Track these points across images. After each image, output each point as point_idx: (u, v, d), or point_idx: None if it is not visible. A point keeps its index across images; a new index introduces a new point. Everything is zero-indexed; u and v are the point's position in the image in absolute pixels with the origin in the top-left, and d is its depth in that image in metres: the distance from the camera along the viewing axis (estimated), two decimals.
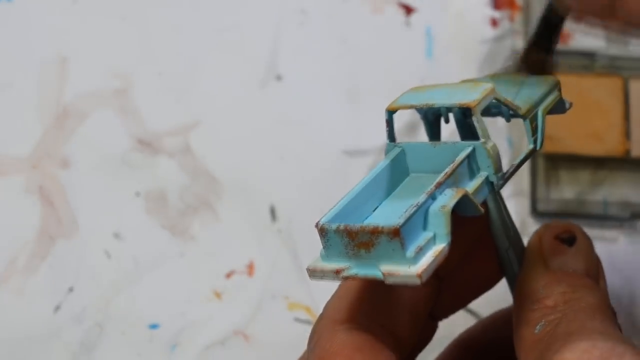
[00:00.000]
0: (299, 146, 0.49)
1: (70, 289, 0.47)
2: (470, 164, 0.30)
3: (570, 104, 0.34)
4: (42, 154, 0.49)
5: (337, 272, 0.28)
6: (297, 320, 0.47)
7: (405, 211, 0.28)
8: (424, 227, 0.28)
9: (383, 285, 0.28)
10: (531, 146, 0.32)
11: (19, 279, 0.47)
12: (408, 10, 0.51)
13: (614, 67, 0.49)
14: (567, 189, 0.48)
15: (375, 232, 0.28)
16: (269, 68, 0.50)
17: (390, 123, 0.32)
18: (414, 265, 0.27)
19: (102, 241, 0.48)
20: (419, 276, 0.27)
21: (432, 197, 0.28)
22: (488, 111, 0.33)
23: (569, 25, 0.48)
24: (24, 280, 0.47)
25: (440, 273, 0.33)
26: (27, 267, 0.47)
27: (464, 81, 0.34)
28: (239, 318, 0.47)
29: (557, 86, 0.34)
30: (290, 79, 0.50)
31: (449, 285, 0.34)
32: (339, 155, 0.49)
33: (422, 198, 0.28)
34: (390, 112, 0.32)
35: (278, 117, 0.50)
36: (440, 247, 0.28)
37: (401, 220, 0.27)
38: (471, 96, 0.31)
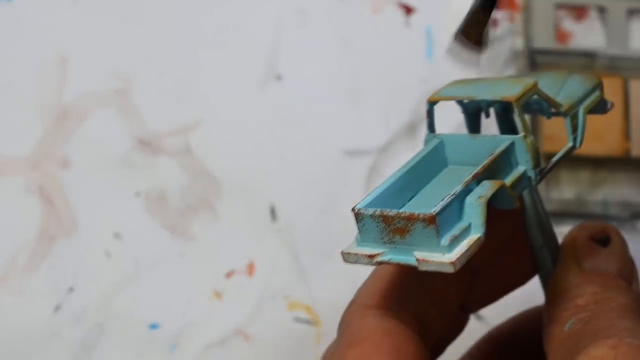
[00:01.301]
0: (299, 146, 0.49)
1: (70, 289, 0.47)
2: (509, 157, 0.30)
3: (612, 105, 0.34)
4: (42, 154, 0.49)
5: (371, 256, 0.28)
6: (297, 320, 0.47)
7: (442, 200, 0.28)
8: (460, 217, 0.28)
9: (415, 273, 0.28)
10: (570, 144, 0.33)
11: (19, 279, 0.47)
12: (408, 10, 0.51)
13: (614, 67, 0.49)
14: (567, 189, 0.48)
15: (412, 218, 0.28)
16: (269, 68, 0.50)
17: (430, 114, 0.32)
18: (448, 253, 0.27)
19: (102, 241, 0.48)
20: (452, 264, 0.27)
21: (469, 188, 0.29)
22: (529, 108, 0.34)
23: (568, 26, 0.48)
24: (24, 280, 0.47)
25: (473, 265, 0.33)
26: (27, 267, 0.47)
27: (508, 76, 0.34)
28: (239, 318, 0.47)
29: (599, 85, 0.34)
30: (290, 79, 0.50)
31: (482, 279, 0.34)
32: (339, 155, 0.49)
33: (458, 188, 0.28)
34: (432, 103, 0.32)
35: (278, 117, 0.50)
36: (475, 237, 0.28)
37: (437, 208, 0.27)
38: (513, 91, 0.31)
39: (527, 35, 0.50)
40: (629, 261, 0.33)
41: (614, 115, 0.48)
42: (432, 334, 0.32)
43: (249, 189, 0.49)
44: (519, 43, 0.50)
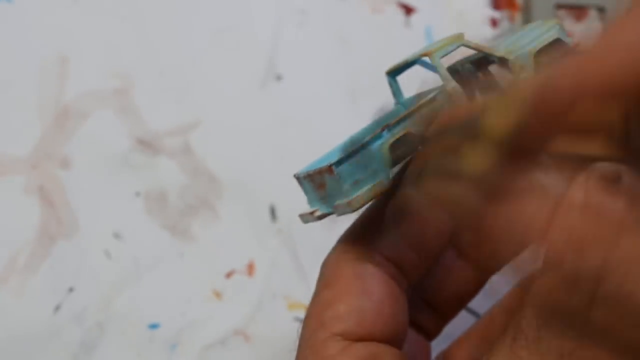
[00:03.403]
0: (299, 146, 0.49)
1: (70, 289, 0.47)
2: (436, 107, 0.32)
3: (578, 43, 0.35)
4: (42, 154, 0.49)
5: (312, 213, 0.32)
6: (297, 319, 0.47)
7: (345, 150, 0.31)
8: (368, 164, 0.30)
9: (390, 218, 0.31)
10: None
11: (19, 279, 0.47)
12: (408, 10, 0.51)
13: None
14: None
15: (321, 172, 0.31)
16: (269, 68, 0.50)
17: (390, 85, 0.35)
18: (348, 197, 0.30)
19: (102, 241, 0.48)
20: (349, 204, 0.30)
21: (379, 136, 0.31)
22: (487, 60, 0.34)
23: (568, 26, 0.48)
24: (24, 280, 0.47)
25: (461, 209, 0.33)
26: (27, 267, 0.47)
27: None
28: (239, 318, 0.47)
29: (554, 27, 0.34)
30: (290, 79, 0.50)
31: (485, 225, 0.34)
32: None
33: (367, 137, 0.31)
34: (389, 75, 0.35)
35: (278, 117, 0.50)
36: (377, 181, 0.30)
37: (335, 158, 0.30)
38: (434, 45, 0.33)
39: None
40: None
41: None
42: (410, 277, 0.33)
43: (249, 189, 0.49)
44: None
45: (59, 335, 0.47)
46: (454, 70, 0.34)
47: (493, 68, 0.33)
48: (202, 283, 0.48)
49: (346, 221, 0.49)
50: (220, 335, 0.47)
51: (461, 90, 0.32)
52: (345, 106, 0.50)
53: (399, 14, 0.51)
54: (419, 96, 0.33)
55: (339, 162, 0.30)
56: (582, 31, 0.50)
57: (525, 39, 0.34)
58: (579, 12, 0.50)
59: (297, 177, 0.32)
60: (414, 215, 0.33)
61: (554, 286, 0.29)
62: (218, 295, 0.48)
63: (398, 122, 0.31)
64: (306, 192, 0.32)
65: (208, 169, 0.49)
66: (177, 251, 0.48)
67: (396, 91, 0.35)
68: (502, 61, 0.33)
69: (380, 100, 0.49)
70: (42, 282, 0.47)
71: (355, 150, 0.30)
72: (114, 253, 0.48)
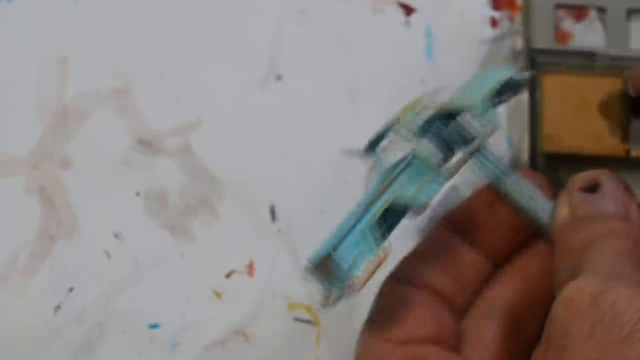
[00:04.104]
0: (299, 146, 0.49)
1: (70, 289, 0.47)
2: (412, 171, 0.34)
3: (530, 75, 0.36)
4: (42, 154, 0.49)
5: (327, 298, 0.33)
6: (297, 320, 0.47)
7: (339, 235, 0.33)
8: (358, 243, 0.32)
9: (435, 255, 0.34)
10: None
11: (19, 279, 0.47)
12: (408, 10, 0.51)
13: (614, 67, 0.49)
14: None
15: (326, 259, 0.32)
16: (269, 68, 0.50)
17: (372, 158, 0.37)
18: (349, 278, 0.32)
19: (102, 241, 0.48)
20: (351, 287, 0.32)
21: (367, 213, 0.33)
22: (500, 98, 0.36)
23: (568, 26, 0.48)
24: (24, 280, 0.47)
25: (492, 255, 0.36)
26: (27, 267, 0.47)
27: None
28: (239, 318, 0.47)
29: (507, 67, 0.35)
30: (290, 79, 0.50)
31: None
32: (339, 155, 0.49)
33: (352, 220, 0.33)
34: (367, 150, 0.37)
35: (278, 117, 0.50)
36: (370, 258, 0.32)
37: (324, 251, 0.32)
38: (395, 116, 0.35)
39: (527, 35, 0.50)
40: (621, 198, 0.34)
41: (614, 114, 0.48)
42: (455, 310, 0.35)
43: (249, 189, 0.49)
44: (519, 43, 0.50)
45: (59, 335, 0.47)
46: (425, 129, 0.35)
47: (461, 119, 0.34)
48: (202, 283, 0.48)
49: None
50: (220, 335, 0.47)
51: (433, 148, 0.33)
52: (345, 106, 0.50)
53: (399, 14, 0.51)
54: (395, 165, 0.35)
55: (334, 248, 0.32)
56: (582, 31, 0.50)
57: (477, 87, 0.35)
58: (579, 12, 0.50)
59: (307, 269, 0.34)
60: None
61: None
62: (218, 295, 0.48)
63: (379, 197, 0.33)
64: (317, 280, 0.34)
65: (208, 169, 0.49)
66: (177, 251, 0.48)
67: (377, 163, 0.36)
68: (462, 113, 0.34)
69: (380, 100, 0.49)
70: (42, 282, 0.47)
71: (346, 232, 0.32)
72: (114, 253, 0.48)
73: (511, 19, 0.51)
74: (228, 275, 0.48)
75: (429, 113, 0.35)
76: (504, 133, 0.49)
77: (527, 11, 0.50)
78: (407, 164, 0.34)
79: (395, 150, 0.36)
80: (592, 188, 0.34)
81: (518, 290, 0.36)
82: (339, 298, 0.33)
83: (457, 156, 0.34)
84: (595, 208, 0.33)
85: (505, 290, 0.36)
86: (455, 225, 0.36)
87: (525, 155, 0.49)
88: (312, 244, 0.49)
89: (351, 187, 0.48)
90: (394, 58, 0.51)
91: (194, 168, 0.49)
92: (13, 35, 0.50)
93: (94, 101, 0.50)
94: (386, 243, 0.32)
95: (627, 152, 0.48)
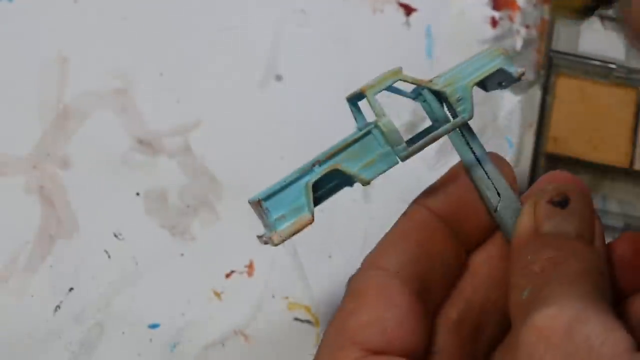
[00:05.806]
0: (299, 146, 0.49)
1: (70, 289, 0.47)
2: (371, 141, 0.34)
3: (522, 72, 0.35)
4: (42, 154, 0.49)
5: (260, 237, 0.33)
6: (297, 320, 0.47)
7: (278, 185, 0.32)
8: (295, 199, 0.32)
9: (414, 238, 0.33)
10: (459, 118, 0.34)
11: (19, 279, 0.47)
12: (408, 10, 0.51)
13: (630, 79, 0.49)
14: None
15: (256, 204, 0.32)
16: (269, 68, 0.50)
17: (352, 110, 0.37)
18: (273, 230, 0.32)
19: (102, 241, 0.48)
20: (271, 239, 0.32)
21: (310, 172, 0.33)
22: (493, 83, 0.35)
23: (585, 32, 0.48)
24: (24, 280, 0.47)
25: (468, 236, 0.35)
26: (27, 267, 0.47)
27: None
28: (239, 318, 0.47)
29: (499, 57, 0.35)
30: (290, 79, 0.50)
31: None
32: None
33: (295, 174, 0.32)
34: (349, 101, 0.36)
35: (278, 117, 0.50)
36: (301, 215, 0.32)
37: (261, 194, 0.32)
38: (372, 80, 0.35)
39: (550, 36, 0.50)
40: (589, 220, 0.33)
41: (623, 126, 0.48)
42: (433, 294, 0.34)
43: (249, 189, 0.49)
44: (519, 43, 0.50)
45: (59, 335, 0.47)
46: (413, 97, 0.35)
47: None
48: (202, 283, 0.48)
49: (347, 221, 0.49)
50: (220, 335, 0.47)
51: (393, 124, 0.33)
52: (345, 106, 0.50)
53: (399, 14, 0.51)
54: (355, 132, 0.34)
55: (267, 197, 0.32)
56: (603, 39, 0.50)
57: (468, 70, 0.34)
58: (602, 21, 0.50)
59: (249, 202, 0.34)
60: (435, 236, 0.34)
61: None
62: (218, 295, 0.48)
63: (327, 159, 0.32)
64: (259, 217, 0.34)
65: (208, 169, 0.49)
66: (177, 251, 0.48)
67: (357, 116, 0.36)
68: (440, 94, 0.34)
69: (380, 100, 0.49)
70: (42, 282, 0.47)
71: (285, 185, 0.32)
72: (113, 253, 0.48)
73: (511, 19, 0.51)
74: (228, 276, 0.48)
75: (415, 86, 0.35)
76: (503, 133, 0.49)
77: (527, 11, 0.50)
78: (365, 133, 0.33)
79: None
80: (561, 203, 0.33)
81: (480, 294, 0.35)
82: (265, 243, 0.33)
83: (421, 141, 0.33)
84: (561, 226, 0.32)
85: (468, 293, 0.35)
86: (432, 207, 0.35)
87: (528, 153, 0.49)
88: (312, 244, 0.49)
89: (351, 187, 0.48)
90: (394, 58, 0.51)
91: (194, 168, 0.49)
92: (13, 35, 0.50)
93: (94, 101, 0.50)
94: (319, 207, 0.32)
95: (631, 164, 0.48)
